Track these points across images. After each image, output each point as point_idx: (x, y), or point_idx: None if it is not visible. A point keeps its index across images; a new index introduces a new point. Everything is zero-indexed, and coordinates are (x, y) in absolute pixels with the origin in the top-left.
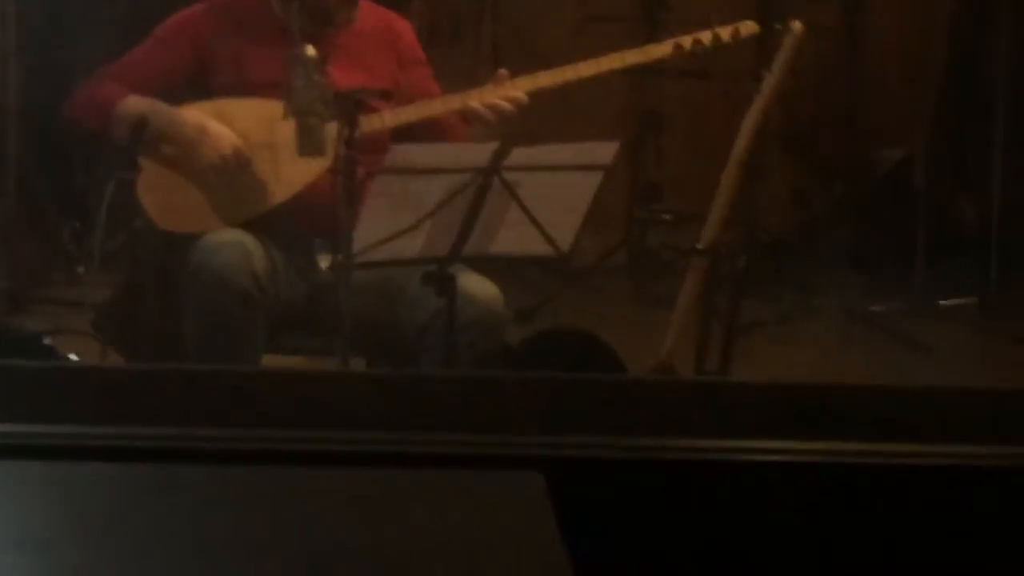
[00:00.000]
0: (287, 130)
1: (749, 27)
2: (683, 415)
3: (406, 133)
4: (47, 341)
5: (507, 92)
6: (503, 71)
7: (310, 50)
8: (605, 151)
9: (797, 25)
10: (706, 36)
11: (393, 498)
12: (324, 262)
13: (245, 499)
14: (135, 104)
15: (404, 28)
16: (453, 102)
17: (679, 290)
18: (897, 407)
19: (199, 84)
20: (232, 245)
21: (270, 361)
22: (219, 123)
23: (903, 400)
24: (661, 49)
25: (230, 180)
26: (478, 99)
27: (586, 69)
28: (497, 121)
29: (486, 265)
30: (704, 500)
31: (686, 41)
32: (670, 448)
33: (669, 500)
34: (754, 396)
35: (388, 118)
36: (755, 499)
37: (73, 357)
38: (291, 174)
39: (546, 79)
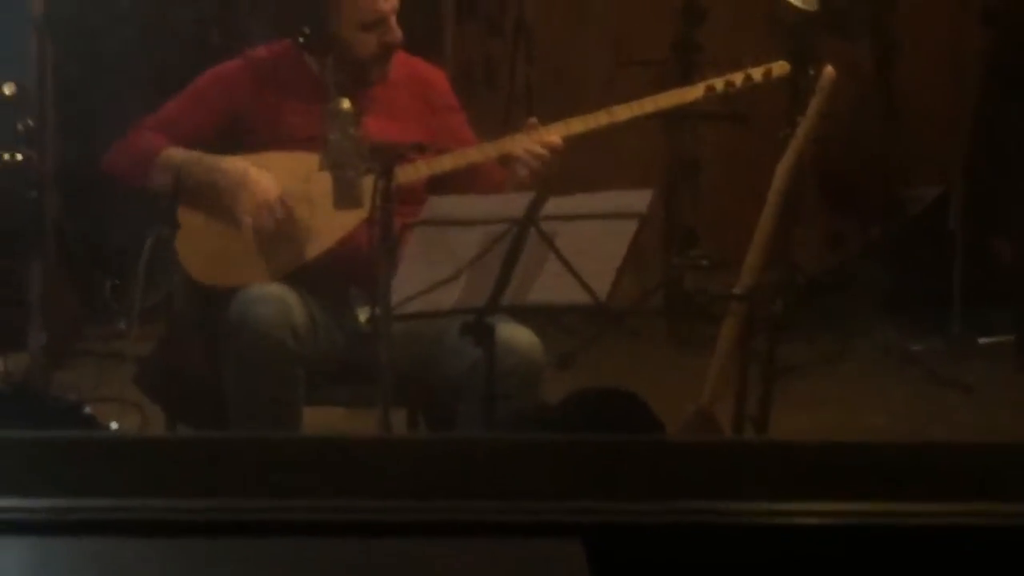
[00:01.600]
0: (324, 183)
1: (781, 67)
2: (725, 476)
3: (443, 180)
4: (87, 410)
5: (543, 137)
6: (533, 119)
7: (345, 103)
8: (640, 199)
9: (830, 70)
10: (738, 77)
11: (428, 569)
12: (362, 314)
13: (286, 571)
14: (176, 154)
15: (437, 77)
16: (487, 150)
17: (717, 334)
18: (945, 462)
19: (235, 138)
20: (271, 298)
21: (311, 413)
22: (260, 170)
23: (952, 455)
24: (693, 92)
25: (268, 233)
26: (513, 146)
27: (620, 113)
28: (537, 166)
29: (524, 311)
30: (751, 565)
31: (718, 83)
32: (713, 511)
33: (713, 566)
34: (797, 455)
35: (424, 169)
36: (801, 563)
37: (113, 425)
38: (328, 226)
39: (579, 124)
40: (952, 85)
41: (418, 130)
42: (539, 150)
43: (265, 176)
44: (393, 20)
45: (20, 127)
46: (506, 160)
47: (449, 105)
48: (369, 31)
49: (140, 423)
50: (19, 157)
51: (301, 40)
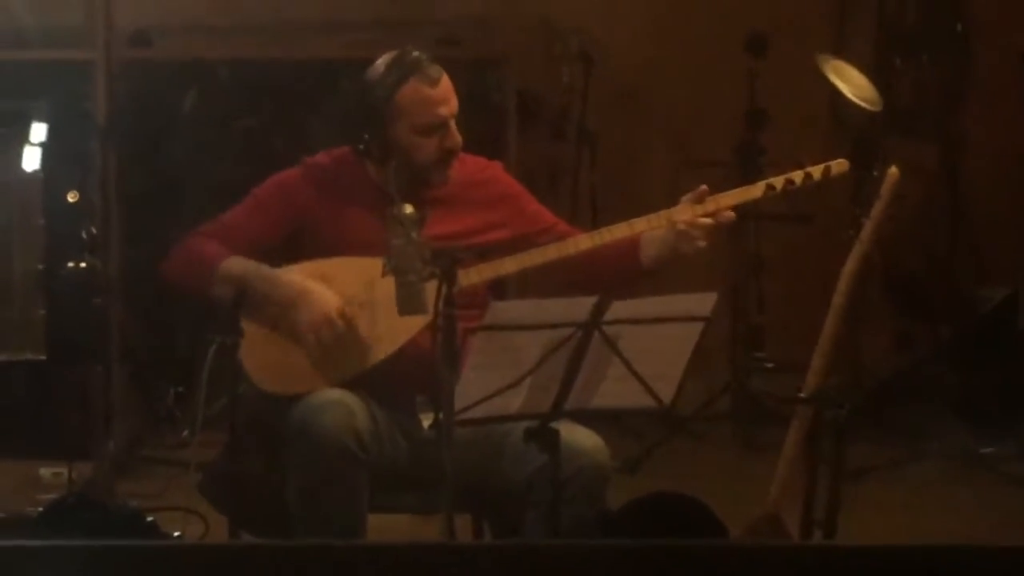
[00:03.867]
0: (387, 288)
1: (840, 165)
2: None
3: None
4: (149, 519)
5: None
6: (704, 187)
7: (408, 209)
8: (704, 303)
9: (894, 171)
10: (797, 175)
11: None
12: (426, 420)
13: None
14: (237, 265)
15: (496, 169)
16: (549, 252)
17: (784, 437)
18: (1017, 568)
19: (297, 245)
20: (335, 404)
21: (375, 520)
22: (321, 285)
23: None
24: (753, 191)
25: (331, 340)
26: (577, 245)
27: (681, 213)
28: (697, 233)
29: (588, 415)
30: None
31: (777, 181)
32: None
33: None
34: (866, 560)
35: (486, 272)
36: None
37: (176, 534)
38: (391, 332)
39: (642, 225)
40: (1019, 184)
41: (483, 226)
42: (704, 221)
43: (324, 291)
44: (453, 125)
45: (84, 235)
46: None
47: (511, 192)
48: (429, 136)
49: (203, 532)
50: (83, 265)
51: (361, 147)
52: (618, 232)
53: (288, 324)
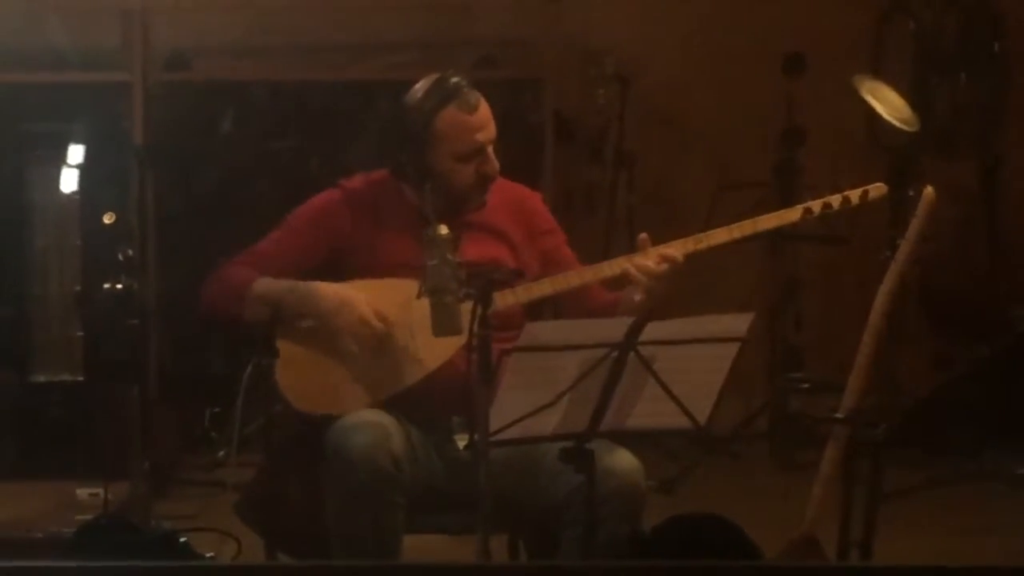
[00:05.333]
0: (422, 309)
1: (878, 189)
2: None
3: (549, 304)
4: (183, 539)
5: (659, 251)
6: (643, 236)
7: (444, 230)
8: (740, 323)
9: (930, 191)
10: (835, 200)
11: None
12: (461, 440)
13: None
14: (268, 284)
15: (534, 199)
16: (586, 275)
17: (821, 457)
18: None
19: (334, 269)
20: (370, 425)
21: (411, 541)
22: (355, 292)
23: None
24: (791, 214)
25: (367, 360)
26: (622, 264)
27: (718, 237)
28: (650, 282)
29: (624, 436)
30: None
31: (816, 205)
32: None
33: None
34: None
35: (522, 295)
36: None
37: (209, 555)
38: (427, 353)
39: (679, 247)
40: None
41: (517, 254)
42: (651, 264)
43: (358, 296)
44: (491, 151)
45: (121, 256)
46: (621, 282)
47: (548, 229)
48: (467, 162)
49: (236, 552)
50: (120, 286)
51: (398, 171)
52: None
53: (326, 334)
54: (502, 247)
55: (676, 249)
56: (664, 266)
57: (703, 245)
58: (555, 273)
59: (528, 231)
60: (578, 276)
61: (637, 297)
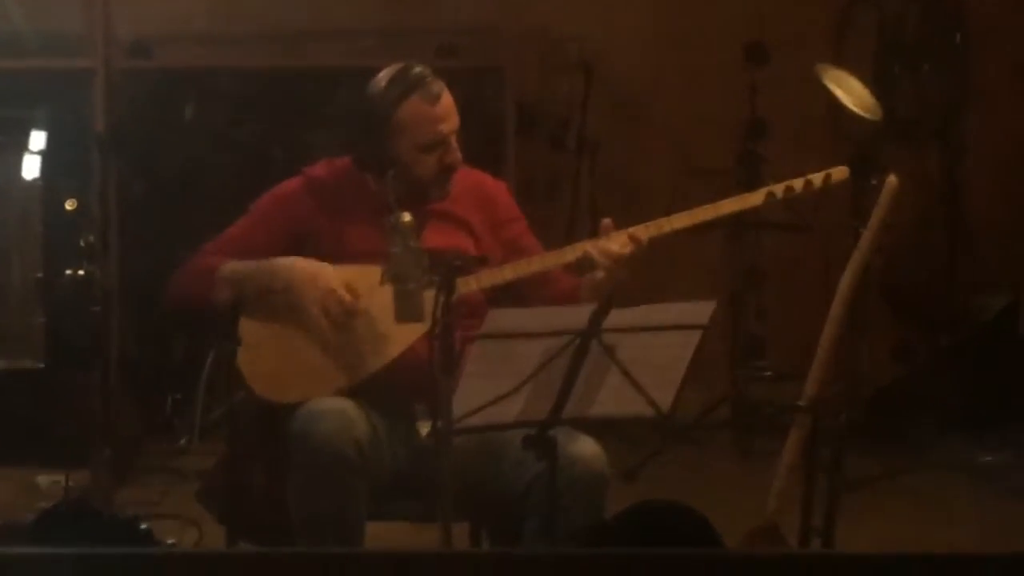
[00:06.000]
0: (385, 296)
1: (841, 172)
2: None
3: (510, 290)
4: (144, 526)
5: (610, 240)
6: (607, 220)
7: (406, 217)
8: (702, 311)
9: (892, 179)
10: (798, 183)
11: None
12: (424, 428)
13: None
14: (234, 265)
15: (498, 188)
16: (548, 259)
17: (783, 446)
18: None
19: (297, 256)
20: (334, 412)
21: (373, 528)
22: (316, 262)
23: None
24: (754, 198)
25: (331, 346)
26: (587, 247)
27: (681, 221)
28: (612, 265)
29: (586, 423)
30: None
31: (778, 188)
32: None
33: None
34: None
35: (485, 281)
36: None
37: (170, 541)
38: (389, 339)
39: (641, 231)
40: (1019, 193)
41: (480, 242)
42: (615, 248)
43: (324, 267)
44: (453, 141)
45: (82, 243)
46: (583, 266)
47: (511, 217)
48: (429, 153)
49: (198, 540)
50: (81, 273)
51: (361, 160)
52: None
53: (292, 313)
54: (465, 236)
55: (640, 232)
56: (628, 248)
57: (666, 229)
58: (518, 260)
59: (491, 220)
60: (539, 261)
61: (599, 275)
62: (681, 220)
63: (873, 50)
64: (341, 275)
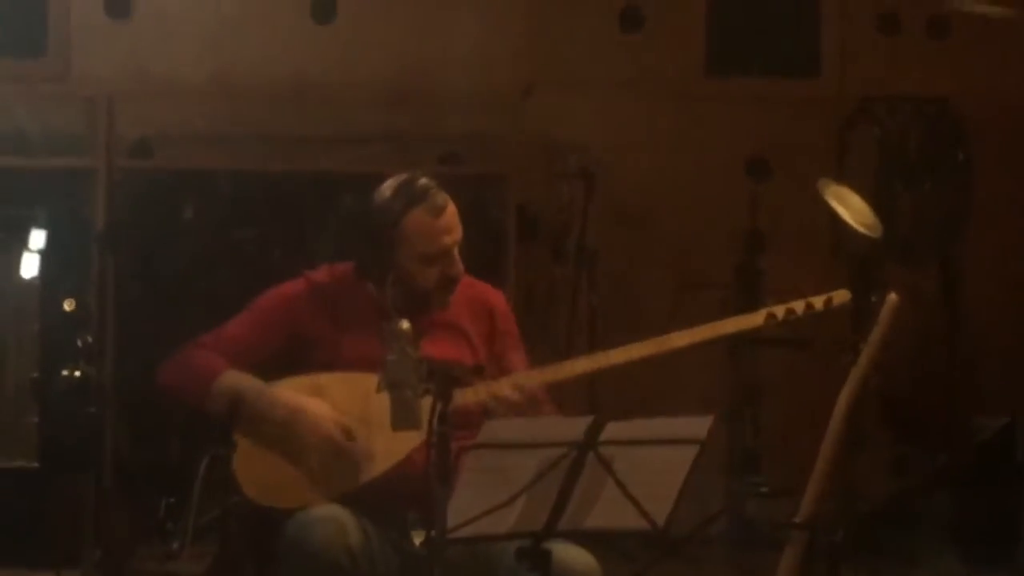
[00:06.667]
0: (381, 404)
1: (842, 296)
2: None
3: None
4: None
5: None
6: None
7: (405, 324)
8: (699, 426)
9: (893, 297)
10: (799, 306)
11: None
12: (418, 537)
13: None
14: (234, 380)
15: (498, 300)
16: (547, 374)
17: (778, 562)
18: None
19: (294, 358)
20: (327, 520)
21: None
22: (317, 401)
23: None
24: (754, 319)
25: (326, 456)
26: (574, 368)
27: (679, 340)
28: (505, 409)
29: (581, 535)
30: None
31: (779, 311)
32: None
33: None
34: None
35: (482, 392)
36: None
37: None
38: (385, 448)
39: (640, 350)
40: (1018, 313)
41: (478, 353)
42: (508, 393)
43: (321, 407)
44: (456, 253)
45: (80, 343)
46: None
47: (503, 330)
48: (432, 264)
49: None
50: (78, 373)
51: (362, 267)
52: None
53: (287, 443)
54: (463, 346)
55: (621, 358)
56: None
57: (665, 348)
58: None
59: (488, 331)
60: (538, 374)
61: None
62: (679, 339)
63: (875, 167)
64: (336, 384)
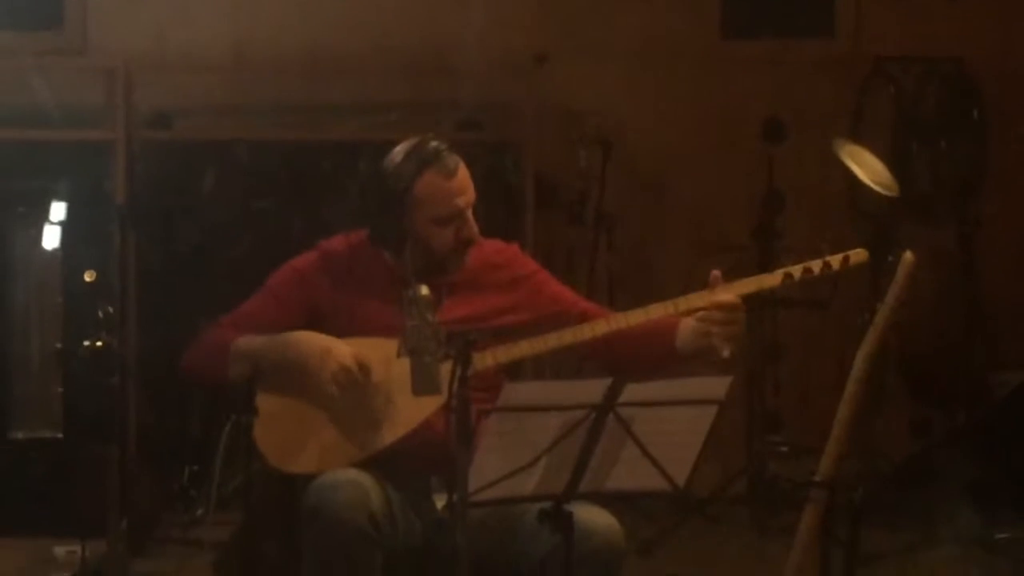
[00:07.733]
0: (402, 369)
1: (859, 255)
2: None
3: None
4: None
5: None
6: (716, 273)
7: (424, 290)
8: (718, 386)
9: (909, 256)
10: (816, 265)
11: None
12: (440, 501)
13: None
14: (249, 340)
15: (512, 251)
16: (565, 337)
17: (799, 521)
18: None
19: (314, 331)
20: (349, 484)
21: None
22: (333, 338)
23: None
24: (771, 279)
25: (347, 418)
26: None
27: (698, 300)
28: (732, 329)
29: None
30: None
31: (796, 270)
32: None
33: None
34: None
35: (501, 356)
36: None
37: None
38: (406, 412)
39: (659, 310)
40: None
41: (499, 310)
42: (718, 314)
43: (336, 342)
44: (469, 215)
45: (100, 314)
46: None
47: (529, 271)
48: (445, 226)
49: None
50: (100, 344)
51: (377, 233)
52: (633, 319)
53: (306, 388)
54: (483, 305)
55: (638, 319)
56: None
57: (682, 308)
58: (550, 312)
59: (509, 281)
60: (556, 338)
61: (725, 354)
62: (698, 300)
63: (891, 126)
64: (355, 349)
